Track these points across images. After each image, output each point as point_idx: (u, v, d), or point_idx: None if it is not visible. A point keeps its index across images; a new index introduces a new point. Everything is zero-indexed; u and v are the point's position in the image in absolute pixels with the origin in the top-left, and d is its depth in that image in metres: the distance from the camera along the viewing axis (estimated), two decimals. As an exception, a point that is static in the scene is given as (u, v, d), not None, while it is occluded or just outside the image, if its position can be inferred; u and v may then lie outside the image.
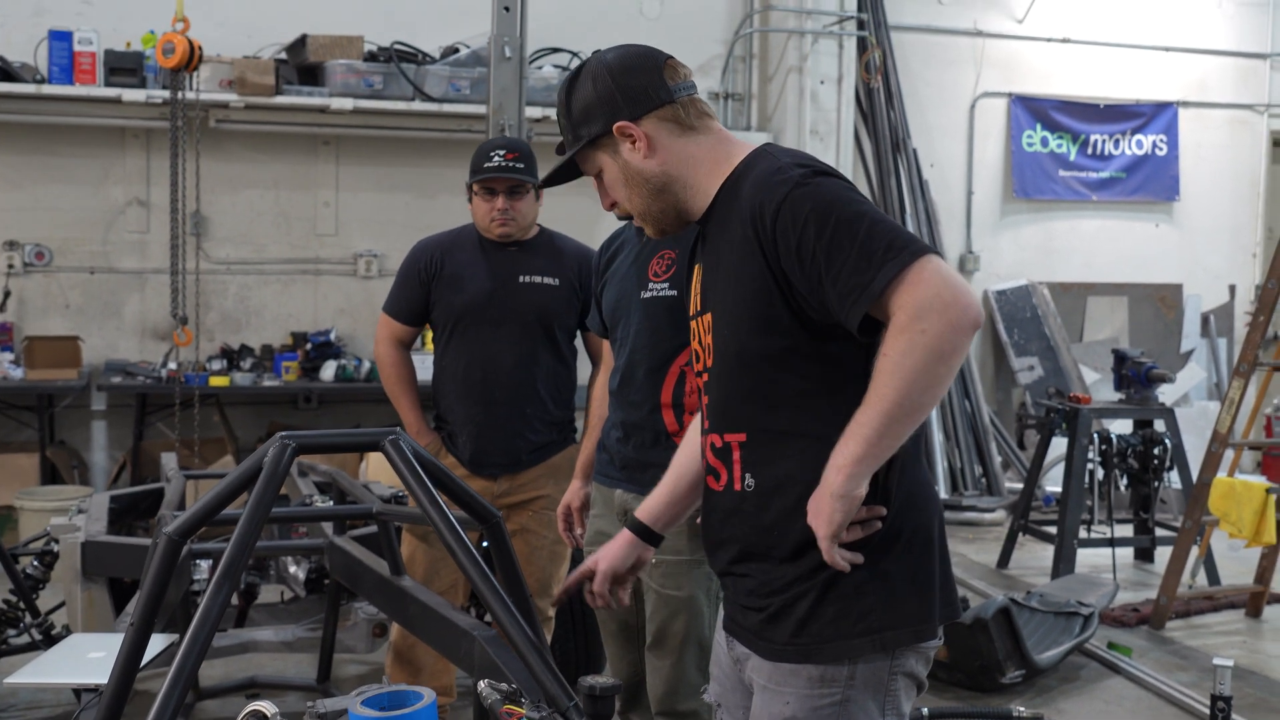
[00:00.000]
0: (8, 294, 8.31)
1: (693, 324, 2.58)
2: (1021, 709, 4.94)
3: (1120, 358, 8.01)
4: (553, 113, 8.38)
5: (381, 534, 3.61)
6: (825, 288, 2.23)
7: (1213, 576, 7.36)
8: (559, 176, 2.65)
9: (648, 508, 2.81)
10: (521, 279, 4.60)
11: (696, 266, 2.58)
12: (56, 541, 4.82)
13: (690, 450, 2.72)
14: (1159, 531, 7.89)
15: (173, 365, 8.01)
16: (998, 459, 9.85)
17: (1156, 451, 7.75)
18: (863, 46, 9.84)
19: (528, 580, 4.37)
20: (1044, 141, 10.72)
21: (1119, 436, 7.78)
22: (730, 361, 2.43)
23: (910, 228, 9.84)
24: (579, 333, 4.75)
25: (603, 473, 3.78)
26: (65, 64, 7.93)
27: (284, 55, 8.47)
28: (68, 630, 4.83)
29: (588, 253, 4.69)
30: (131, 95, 7.95)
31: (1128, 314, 10.90)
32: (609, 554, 2.78)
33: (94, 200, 8.52)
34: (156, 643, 3.57)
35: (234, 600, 5.14)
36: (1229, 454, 6.93)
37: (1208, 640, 6.57)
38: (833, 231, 2.21)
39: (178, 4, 6.50)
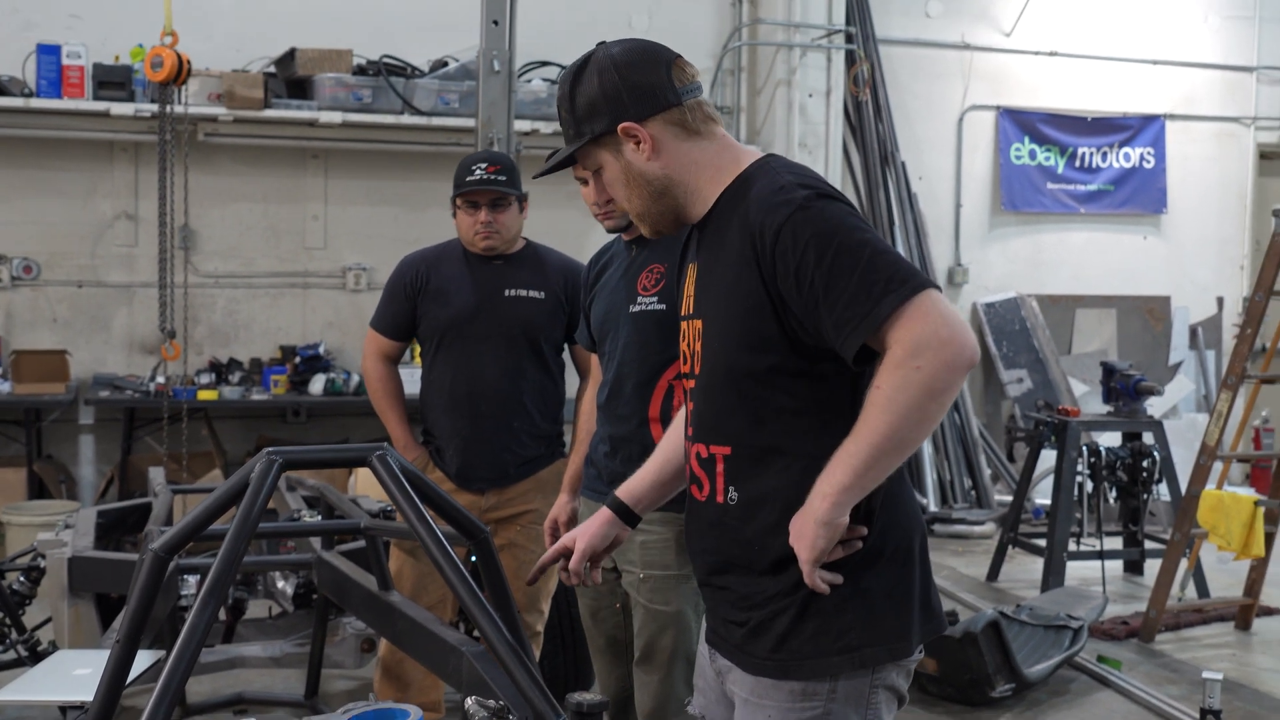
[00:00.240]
0: (-5, 308, 8.30)
1: (683, 325, 2.57)
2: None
3: (1109, 370, 8.02)
4: (542, 126, 8.45)
5: (369, 549, 3.61)
6: (822, 314, 2.22)
7: (1202, 589, 7.36)
8: (556, 167, 2.61)
9: (629, 488, 2.78)
10: (507, 292, 4.60)
11: (690, 266, 2.56)
12: (43, 557, 4.79)
13: (677, 436, 2.70)
14: (1148, 544, 7.89)
15: (161, 379, 7.99)
16: (987, 471, 9.86)
17: (1145, 464, 7.74)
18: (851, 60, 9.86)
19: (515, 595, 4.38)
20: (1032, 154, 10.75)
21: (1108, 449, 7.78)
22: (718, 376, 2.42)
23: (899, 241, 9.87)
24: (566, 346, 4.74)
25: (590, 487, 3.77)
26: (54, 78, 7.92)
27: (273, 69, 8.47)
28: (54, 646, 4.80)
29: (574, 265, 4.69)
30: (120, 109, 7.95)
31: (1116, 326, 10.93)
32: (587, 532, 2.75)
33: (82, 214, 8.50)
34: (143, 659, 3.56)
35: (221, 615, 5.13)
36: (1217, 466, 6.94)
37: (1197, 653, 6.57)
38: (833, 259, 2.20)
39: (166, 18, 6.49)
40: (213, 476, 7.94)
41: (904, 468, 2.37)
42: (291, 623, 5.26)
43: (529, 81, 8.81)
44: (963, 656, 5.52)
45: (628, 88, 2.41)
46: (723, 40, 9.82)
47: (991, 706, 5.62)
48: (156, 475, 5.87)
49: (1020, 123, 10.70)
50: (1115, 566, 8.04)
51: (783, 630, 2.35)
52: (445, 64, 8.63)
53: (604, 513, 2.77)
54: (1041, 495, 9.08)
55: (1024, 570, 8.19)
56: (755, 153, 2.51)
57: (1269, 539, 6.75)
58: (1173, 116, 11.09)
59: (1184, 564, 6.93)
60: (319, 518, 4.78)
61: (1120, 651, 6.47)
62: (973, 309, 10.55)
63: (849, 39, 9.83)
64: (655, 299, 3.57)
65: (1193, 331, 11.16)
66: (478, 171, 4.50)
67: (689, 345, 2.52)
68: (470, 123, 7.18)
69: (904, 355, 2.13)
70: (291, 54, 8.29)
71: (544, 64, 8.97)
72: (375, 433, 7.78)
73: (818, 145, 9.60)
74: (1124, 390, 7.85)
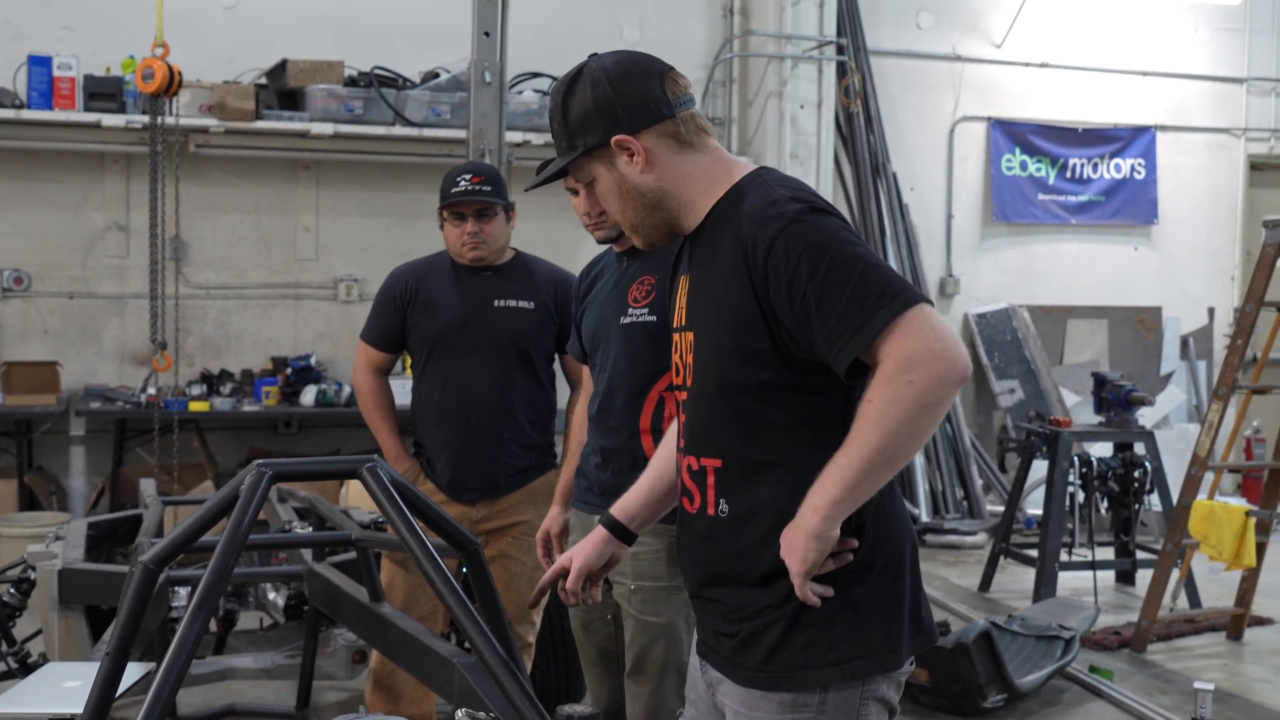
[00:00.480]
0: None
1: (675, 336, 2.56)
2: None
3: (1100, 381, 8.04)
4: (533, 137, 8.46)
5: (361, 560, 3.60)
6: (814, 328, 2.22)
7: (1194, 599, 7.37)
8: (550, 179, 2.59)
9: (624, 505, 2.79)
10: (496, 303, 4.60)
11: (683, 278, 2.56)
12: (33, 569, 4.78)
13: (669, 452, 2.70)
14: (1140, 554, 7.90)
15: (152, 390, 7.97)
16: (979, 482, 9.86)
17: (1137, 474, 7.76)
18: (842, 71, 9.88)
19: (507, 606, 4.36)
20: (1023, 165, 10.77)
21: (1099, 459, 7.80)
22: (709, 389, 2.42)
23: (890, 251, 9.88)
24: (557, 356, 4.74)
25: (581, 499, 3.77)
26: (45, 89, 7.92)
27: (264, 80, 8.47)
28: (44, 659, 4.79)
29: (563, 276, 4.69)
30: (111, 120, 7.95)
31: (1107, 337, 10.94)
32: (583, 551, 2.76)
33: (73, 225, 8.50)
34: (133, 671, 3.55)
35: (212, 627, 5.11)
36: (1209, 477, 6.95)
37: (1189, 663, 6.57)
38: (825, 273, 2.20)
39: (157, 29, 6.49)
40: (204, 488, 7.92)
41: (895, 480, 2.37)
42: (283, 634, 5.24)
43: (520, 93, 8.82)
44: (955, 667, 5.52)
45: (621, 100, 2.41)
46: (714, 51, 9.83)
47: (983, 717, 5.62)
48: (147, 487, 5.85)
49: (1011, 134, 10.72)
50: (1107, 577, 8.04)
51: (773, 642, 2.35)
52: (436, 75, 8.63)
53: (600, 531, 2.78)
54: (1033, 505, 9.09)
55: (1016, 580, 8.19)
56: (748, 165, 2.51)
57: (1260, 549, 6.77)
58: (1163, 128, 11.11)
59: (1175, 574, 6.94)
60: (310, 529, 4.76)
61: (1112, 662, 6.48)
62: (964, 320, 10.57)
63: (840, 50, 9.85)
64: (646, 310, 3.57)
65: (1184, 342, 11.18)
66: (462, 183, 4.51)
67: (681, 357, 2.52)
68: (462, 134, 7.19)
69: (896, 369, 2.13)
70: (283, 65, 8.29)
71: (535, 75, 8.98)
72: (367, 444, 7.75)
73: (809, 156, 9.61)
74: (1115, 401, 7.86)
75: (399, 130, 8.46)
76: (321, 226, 8.95)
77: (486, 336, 4.57)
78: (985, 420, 10.62)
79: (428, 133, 8.47)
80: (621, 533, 2.78)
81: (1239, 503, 7.41)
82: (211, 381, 8.46)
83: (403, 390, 4.98)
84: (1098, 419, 8.05)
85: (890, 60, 10.35)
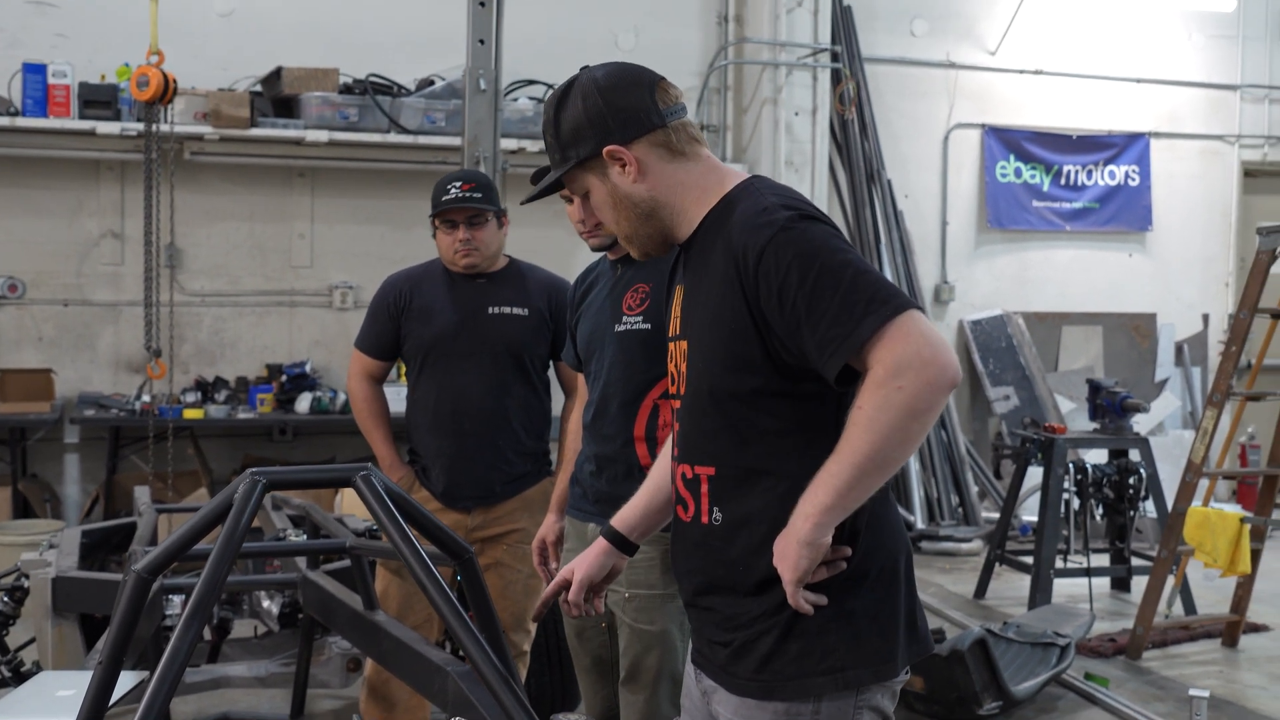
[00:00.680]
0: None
1: (670, 345, 2.57)
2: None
3: (1095, 387, 8.04)
4: (528, 144, 8.47)
5: (355, 568, 3.60)
6: (804, 335, 2.22)
7: (1189, 606, 7.37)
8: (544, 193, 2.61)
9: (624, 517, 2.79)
10: (491, 310, 4.60)
11: (678, 288, 2.57)
12: (27, 576, 4.78)
13: (668, 461, 2.70)
14: (1135, 561, 7.91)
15: (147, 398, 7.97)
16: (974, 489, 9.86)
17: (1132, 481, 7.76)
18: (837, 78, 9.89)
19: (502, 615, 4.37)
20: (1017, 172, 10.78)
21: (1094, 466, 7.80)
22: (702, 397, 2.42)
23: (885, 259, 9.89)
24: (551, 364, 4.74)
25: (576, 506, 3.77)
26: (39, 97, 7.91)
27: (259, 88, 8.48)
28: (38, 667, 4.78)
29: (558, 283, 4.70)
30: (106, 128, 7.95)
31: (1102, 343, 10.95)
32: (584, 563, 2.76)
33: (68, 233, 8.49)
34: (126, 680, 3.54)
35: (207, 635, 5.10)
36: (1204, 483, 6.95)
37: (1184, 670, 6.57)
38: (815, 279, 2.20)
39: (152, 37, 6.49)
40: (199, 495, 7.91)
41: (890, 487, 2.37)
42: (277, 642, 5.23)
43: (515, 100, 8.82)
44: (950, 674, 5.52)
45: (612, 111, 2.42)
46: (709, 59, 9.85)
47: (979, 724, 5.62)
48: (142, 494, 5.86)
49: (1005, 141, 10.73)
50: (1102, 583, 8.05)
51: (766, 651, 2.35)
52: (431, 83, 8.64)
53: (600, 543, 2.78)
54: (1028, 512, 9.09)
55: (1011, 587, 8.19)
56: (740, 174, 2.52)
57: (1255, 556, 6.77)
58: (1157, 134, 11.14)
59: (1171, 581, 6.94)
60: (304, 537, 4.76)
61: (1107, 669, 6.47)
62: (959, 326, 10.58)
63: (835, 58, 9.86)
64: (640, 318, 3.56)
65: (1178, 348, 11.19)
66: (453, 190, 4.51)
67: (676, 366, 2.53)
68: (457, 141, 7.19)
69: (886, 375, 2.13)
70: (278, 73, 8.29)
71: (530, 83, 8.98)
72: (362, 451, 7.76)
73: (804, 163, 9.62)
74: (1110, 407, 7.87)
75: (394, 138, 8.46)
76: (316, 234, 8.95)
77: (481, 343, 4.57)
78: (980, 427, 10.63)
79: (423, 140, 8.48)
80: (622, 544, 2.78)
81: (1234, 509, 7.41)
82: (206, 389, 8.46)
83: (397, 398, 4.97)
84: (1093, 425, 8.05)
85: (885, 67, 10.37)
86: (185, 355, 8.64)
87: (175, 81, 6.67)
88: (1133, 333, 11.07)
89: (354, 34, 8.82)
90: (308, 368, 8.61)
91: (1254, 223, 8.09)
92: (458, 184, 4.53)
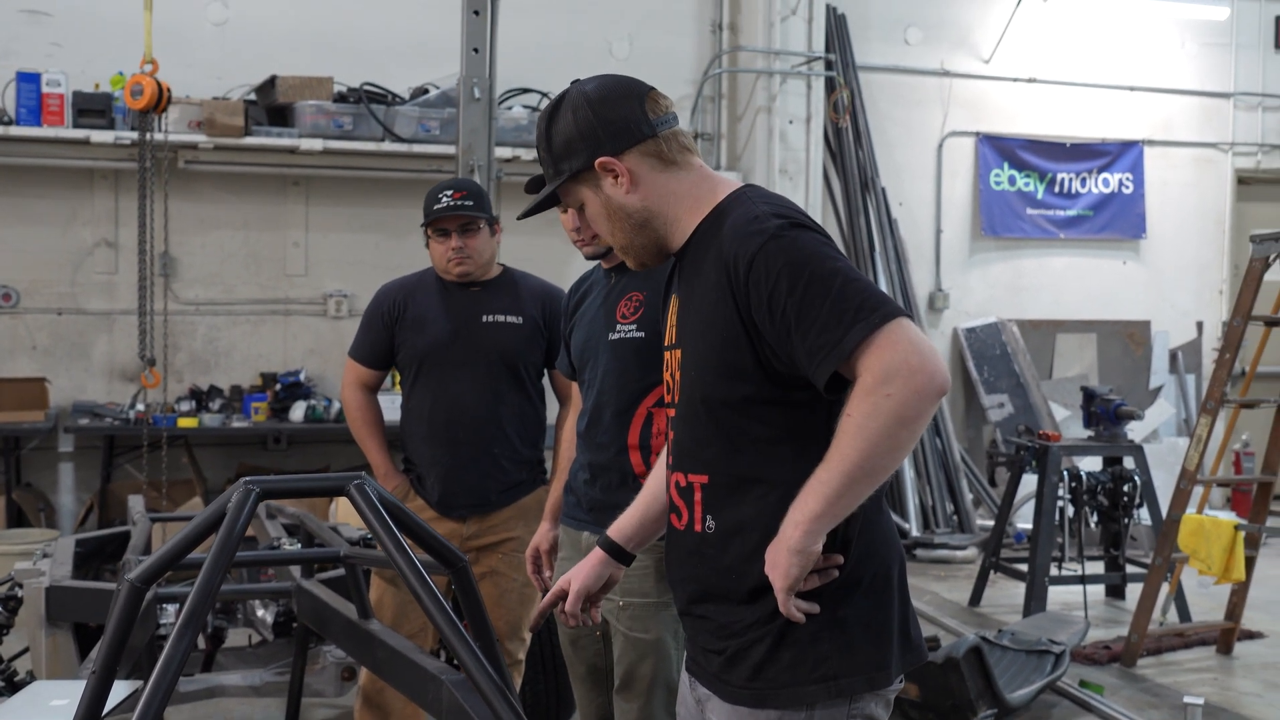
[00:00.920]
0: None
1: (666, 355, 2.58)
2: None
3: (1089, 395, 8.05)
4: (522, 153, 8.47)
5: (349, 577, 3.59)
6: (794, 343, 2.23)
7: (1184, 613, 7.38)
8: (539, 208, 2.62)
9: (620, 527, 2.80)
10: (485, 319, 4.60)
11: (673, 297, 2.58)
12: (20, 586, 4.76)
13: (663, 470, 2.71)
14: (1130, 568, 7.91)
15: (141, 407, 7.96)
16: (969, 496, 9.87)
17: (1126, 488, 7.76)
18: (831, 87, 9.91)
19: (497, 623, 4.37)
20: (1011, 180, 10.80)
21: (1089, 473, 7.80)
22: (695, 405, 2.43)
23: (879, 267, 9.89)
24: (546, 372, 4.74)
25: (570, 515, 3.77)
26: (33, 105, 7.91)
27: (253, 96, 8.47)
28: (31, 676, 4.76)
29: (552, 290, 4.70)
30: (100, 137, 7.94)
31: (1096, 351, 10.96)
32: (581, 573, 2.77)
33: (62, 241, 8.49)
34: (120, 689, 3.53)
35: (201, 644, 5.09)
36: (1198, 490, 6.96)
37: (1179, 677, 6.57)
38: (805, 287, 2.21)
39: (146, 46, 6.50)
40: (193, 504, 7.90)
41: (884, 495, 2.37)
42: (272, 651, 5.22)
43: (510, 108, 8.83)
44: (945, 682, 5.51)
45: (602, 123, 2.44)
46: (703, 67, 9.86)
47: (974, 732, 5.61)
48: (136, 503, 5.83)
49: (1000, 149, 10.75)
50: (1097, 591, 8.05)
51: (759, 659, 2.35)
52: (426, 91, 8.64)
53: (597, 553, 2.79)
54: (1023, 520, 9.10)
55: (1006, 595, 8.19)
56: (733, 183, 2.53)
57: (1249, 563, 6.77)
58: (1151, 142, 11.16)
59: (1165, 588, 6.94)
60: (298, 546, 4.75)
61: (1102, 676, 6.47)
62: (953, 334, 10.59)
63: (829, 66, 9.88)
64: (634, 326, 3.57)
65: (1173, 356, 11.20)
66: (444, 199, 4.52)
67: (671, 375, 2.54)
68: (451, 149, 7.19)
69: (874, 383, 2.14)
70: (272, 81, 8.30)
71: (525, 91, 8.98)
72: (357, 459, 7.76)
73: (798, 172, 9.63)
74: (1104, 415, 7.87)
75: (388, 146, 8.46)
76: (311, 242, 8.95)
77: (475, 352, 4.57)
78: (975, 434, 10.63)
79: (417, 148, 8.48)
80: (619, 554, 2.79)
81: (1228, 517, 7.41)
82: (200, 398, 8.45)
83: (392, 406, 4.97)
84: (1087, 433, 8.06)
85: (879, 76, 10.38)
86: (179, 364, 8.63)
87: (169, 90, 6.68)
88: (1127, 340, 11.08)
89: (348, 42, 8.82)
90: (302, 376, 8.60)
91: (1248, 230, 8.12)
92: (449, 192, 4.53)
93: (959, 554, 9.31)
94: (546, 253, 7.85)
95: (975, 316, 10.69)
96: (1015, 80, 10.73)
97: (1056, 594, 7.62)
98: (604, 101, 2.46)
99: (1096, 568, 7.90)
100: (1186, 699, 4.90)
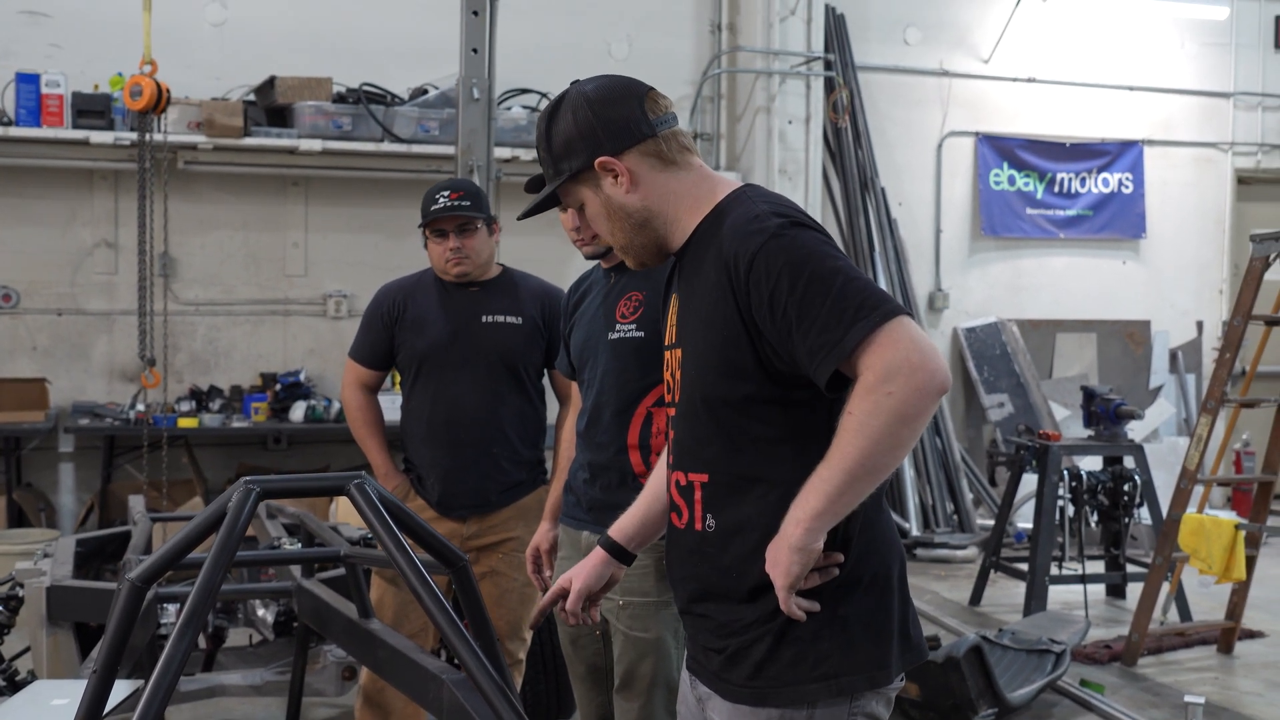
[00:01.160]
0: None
1: (666, 354, 2.58)
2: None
3: (1089, 394, 8.04)
4: (522, 153, 8.47)
5: (350, 577, 3.59)
6: (795, 341, 2.23)
7: (1184, 612, 7.37)
8: (539, 208, 2.63)
9: (621, 526, 2.80)
10: (484, 319, 4.60)
11: (673, 296, 2.58)
12: (21, 586, 4.77)
13: (664, 470, 2.71)
14: (1130, 568, 7.91)
15: (141, 407, 7.96)
16: (969, 496, 9.87)
17: (1126, 488, 7.76)
18: (830, 87, 9.91)
19: (497, 623, 4.37)
20: (1011, 180, 10.79)
21: (1089, 473, 7.80)
22: (695, 404, 2.43)
23: (879, 267, 9.89)
24: (546, 372, 4.74)
25: (570, 514, 3.77)
26: (33, 106, 7.91)
27: (252, 97, 8.47)
28: (32, 676, 4.76)
29: (551, 290, 4.70)
30: (99, 137, 7.94)
31: (1096, 350, 10.96)
32: (582, 573, 2.78)
33: (62, 242, 8.49)
34: (121, 689, 3.53)
35: (201, 643, 5.09)
36: (1198, 490, 6.96)
37: (1180, 677, 6.57)
38: (805, 286, 2.21)
39: (145, 46, 6.50)
40: (193, 504, 7.90)
41: (884, 494, 2.37)
42: (272, 651, 5.22)
43: (509, 109, 8.82)
44: (945, 681, 5.52)
45: (602, 123, 2.44)
46: (702, 67, 9.85)
47: (974, 731, 5.61)
48: (136, 503, 5.84)
49: (999, 149, 10.75)
50: (1097, 590, 8.05)
51: (760, 657, 2.35)
52: (425, 91, 8.64)
53: (598, 553, 2.79)
54: (1023, 519, 9.09)
55: (1006, 594, 8.19)
56: (733, 183, 2.53)
57: (1250, 562, 6.76)
58: (1151, 142, 11.16)
59: (1166, 588, 6.94)
60: (299, 546, 4.75)
61: (1103, 675, 6.47)
62: (953, 334, 10.59)
63: (828, 66, 9.88)
64: (634, 326, 3.57)
65: (1173, 355, 11.20)
66: (441, 199, 4.52)
67: (671, 374, 2.54)
68: (450, 150, 7.19)
69: (875, 381, 2.14)
70: (271, 82, 8.29)
71: (524, 91, 8.98)
72: (357, 460, 7.75)
73: (798, 172, 9.63)
74: (1105, 414, 7.87)
75: (387, 146, 8.46)
76: (310, 243, 8.95)
77: (474, 352, 4.57)
78: (975, 434, 10.63)
79: (416, 149, 8.47)
80: (620, 553, 2.79)
81: (1229, 516, 7.41)
82: (200, 398, 8.45)
83: (392, 406, 4.97)
84: (1087, 433, 8.06)
85: (878, 76, 10.38)
86: (179, 364, 8.63)
87: (168, 91, 6.68)
88: (1127, 340, 11.08)
89: (347, 43, 8.82)
90: (302, 376, 8.60)
91: (1247, 230, 8.12)
92: (446, 193, 4.53)
93: (959, 553, 9.31)
94: (546, 253, 7.85)
95: (975, 316, 10.69)
96: (1015, 80, 10.73)
97: (1057, 593, 7.62)
98: (603, 101, 2.46)
99: (1097, 567, 7.90)
100: (1187, 698, 4.90)
